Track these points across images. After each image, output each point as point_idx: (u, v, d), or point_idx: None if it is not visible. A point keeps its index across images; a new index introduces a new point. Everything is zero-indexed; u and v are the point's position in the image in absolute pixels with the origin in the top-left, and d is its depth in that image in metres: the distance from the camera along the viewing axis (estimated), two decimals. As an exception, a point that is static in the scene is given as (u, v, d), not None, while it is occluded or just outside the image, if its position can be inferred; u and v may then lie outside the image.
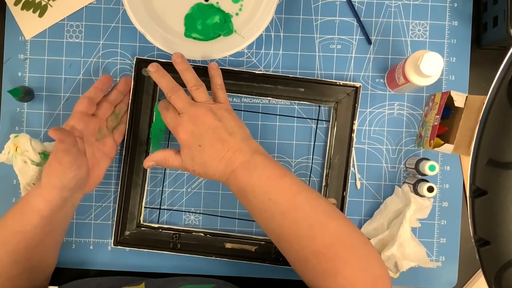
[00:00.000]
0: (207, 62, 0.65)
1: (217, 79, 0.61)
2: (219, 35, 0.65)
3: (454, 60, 0.68)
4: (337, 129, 0.66)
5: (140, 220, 0.67)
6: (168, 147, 0.68)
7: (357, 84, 0.65)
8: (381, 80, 0.68)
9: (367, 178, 0.68)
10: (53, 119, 0.68)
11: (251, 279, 0.69)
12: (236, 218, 0.68)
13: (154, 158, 0.59)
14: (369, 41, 0.68)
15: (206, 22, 0.65)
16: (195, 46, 0.65)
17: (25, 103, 0.68)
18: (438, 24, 0.68)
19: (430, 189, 0.62)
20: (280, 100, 0.67)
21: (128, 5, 0.62)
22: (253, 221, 0.67)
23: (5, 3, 0.67)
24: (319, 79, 0.66)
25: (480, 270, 0.41)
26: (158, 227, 0.67)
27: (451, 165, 0.68)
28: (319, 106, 0.68)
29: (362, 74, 0.68)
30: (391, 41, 0.68)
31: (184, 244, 0.66)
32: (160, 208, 0.68)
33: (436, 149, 0.60)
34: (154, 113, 0.66)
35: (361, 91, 0.66)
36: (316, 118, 0.68)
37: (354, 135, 0.66)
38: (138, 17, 0.62)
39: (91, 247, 0.68)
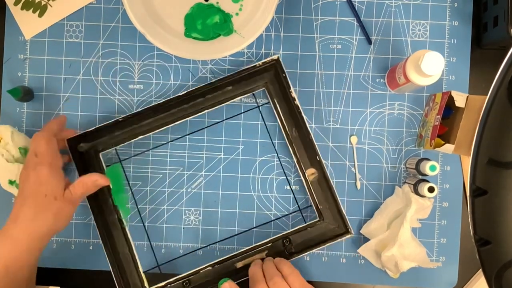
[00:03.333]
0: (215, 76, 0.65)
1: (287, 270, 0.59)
2: (219, 35, 0.65)
3: (454, 60, 0.68)
4: (280, 106, 0.66)
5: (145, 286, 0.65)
6: (132, 194, 0.68)
7: (275, 57, 0.65)
8: (381, 80, 0.68)
9: (367, 178, 0.68)
10: (53, 119, 0.68)
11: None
12: (236, 207, 0.68)
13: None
14: (369, 41, 0.68)
15: (206, 22, 0.65)
16: (195, 46, 0.65)
17: (25, 103, 0.68)
18: (438, 24, 0.68)
19: (431, 189, 0.62)
20: (216, 106, 0.67)
21: (127, 4, 0.61)
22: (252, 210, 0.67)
23: (5, 3, 0.67)
24: (239, 69, 0.66)
25: (480, 270, 0.41)
26: (166, 284, 0.64)
27: (452, 165, 0.68)
28: (253, 95, 0.68)
29: (362, 74, 0.68)
30: (391, 41, 0.68)
31: (198, 286, 0.65)
32: (158, 266, 0.68)
33: (436, 149, 0.60)
34: (108, 178, 0.63)
35: (282, 63, 0.65)
36: (257, 105, 0.68)
37: (297, 102, 0.65)
38: (137, 17, 0.62)
39: (91, 247, 0.68)
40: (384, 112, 0.68)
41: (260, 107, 0.68)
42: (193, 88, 0.65)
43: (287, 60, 0.68)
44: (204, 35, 0.65)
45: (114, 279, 0.63)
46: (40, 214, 0.55)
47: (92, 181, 0.60)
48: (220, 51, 0.63)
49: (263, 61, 0.65)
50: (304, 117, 0.65)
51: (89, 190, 0.60)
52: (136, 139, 0.66)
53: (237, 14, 0.66)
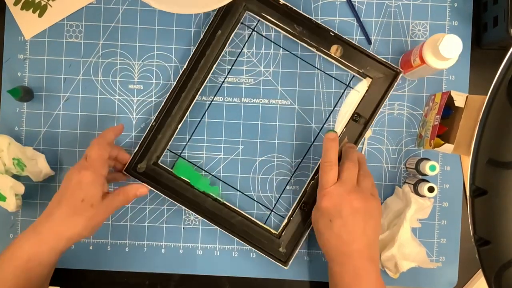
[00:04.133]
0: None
1: (364, 167, 0.62)
2: None
3: (454, 60, 0.68)
4: (271, 16, 0.66)
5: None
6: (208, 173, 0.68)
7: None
8: (381, 80, 0.68)
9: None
10: (53, 119, 0.68)
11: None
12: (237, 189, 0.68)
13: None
14: (369, 41, 0.68)
15: None
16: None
17: (25, 103, 0.68)
18: (438, 24, 0.68)
19: (431, 189, 0.62)
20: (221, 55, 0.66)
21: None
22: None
23: (5, 3, 0.67)
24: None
25: (480, 270, 0.41)
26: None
27: (451, 165, 0.68)
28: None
29: (362, 74, 0.68)
30: (391, 41, 0.68)
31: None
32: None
33: (436, 149, 0.60)
34: (182, 175, 0.66)
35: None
36: (252, 30, 0.68)
37: (282, 1, 0.65)
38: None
39: (91, 247, 0.68)
40: (384, 112, 0.68)
41: (256, 31, 0.68)
42: (193, 51, 0.65)
43: (287, 60, 0.68)
44: None
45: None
46: (73, 218, 0.55)
47: (134, 192, 0.60)
48: (208, 4, 0.61)
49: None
50: (296, 8, 0.65)
51: (129, 200, 0.60)
52: (176, 131, 0.66)
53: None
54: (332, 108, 0.68)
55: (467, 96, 0.59)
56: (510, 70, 0.38)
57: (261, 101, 0.68)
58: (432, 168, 0.62)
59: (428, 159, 0.64)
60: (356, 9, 0.68)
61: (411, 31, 0.68)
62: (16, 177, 0.65)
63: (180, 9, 0.61)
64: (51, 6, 0.68)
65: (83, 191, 0.55)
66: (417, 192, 0.64)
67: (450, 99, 0.59)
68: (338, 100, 0.68)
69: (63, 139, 0.68)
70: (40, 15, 0.68)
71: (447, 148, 0.59)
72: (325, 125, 0.68)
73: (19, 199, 0.65)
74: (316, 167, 0.67)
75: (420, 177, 0.65)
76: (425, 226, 0.68)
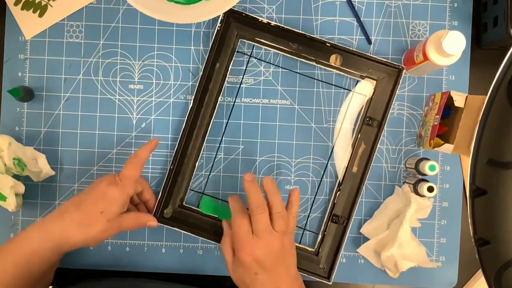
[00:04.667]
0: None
1: (294, 208, 0.60)
2: None
3: (454, 60, 0.68)
4: (264, 39, 0.66)
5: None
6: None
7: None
8: (381, 80, 0.68)
9: (367, 178, 0.68)
10: (53, 119, 0.68)
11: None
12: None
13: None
14: (369, 41, 0.68)
15: None
16: (177, 10, 0.63)
17: (25, 103, 0.68)
18: (438, 24, 0.68)
19: (430, 189, 0.62)
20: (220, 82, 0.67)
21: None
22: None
23: (5, 3, 0.68)
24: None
25: (480, 270, 0.41)
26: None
27: (451, 165, 0.68)
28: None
29: (362, 74, 0.68)
30: (391, 41, 0.68)
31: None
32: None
33: (436, 149, 0.60)
34: (209, 212, 0.67)
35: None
36: (249, 55, 0.68)
37: (273, 23, 0.65)
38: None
39: (91, 247, 0.68)
40: (384, 112, 0.68)
41: (254, 56, 0.68)
42: (196, 88, 0.65)
43: (288, 60, 0.68)
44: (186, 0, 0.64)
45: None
46: (86, 226, 0.56)
47: (145, 222, 0.62)
48: (202, 14, 0.62)
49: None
50: (287, 27, 0.65)
51: (139, 227, 0.61)
52: (195, 170, 0.67)
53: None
54: (331, 108, 0.68)
55: (466, 96, 0.59)
56: (510, 70, 0.38)
57: (261, 101, 0.68)
58: (432, 168, 0.62)
59: (427, 159, 0.64)
60: (356, 9, 0.68)
61: (411, 31, 0.68)
62: (16, 177, 0.65)
63: (171, 18, 0.62)
64: (51, 6, 0.68)
65: (105, 204, 0.56)
66: (416, 192, 0.64)
67: (450, 99, 0.59)
68: (339, 100, 0.68)
69: (63, 139, 0.68)
70: (40, 15, 0.68)
71: (447, 148, 0.59)
72: (325, 125, 0.68)
73: (20, 199, 0.65)
74: (343, 174, 0.67)
75: (420, 177, 0.65)
76: (425, 226, 0.68)
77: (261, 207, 0.57)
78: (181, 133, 0.66)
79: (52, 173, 0.67)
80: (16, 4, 0.68)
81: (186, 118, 0.66)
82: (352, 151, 0.66)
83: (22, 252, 0.55)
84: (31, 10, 0.68)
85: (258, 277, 0.56)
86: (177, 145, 0.66)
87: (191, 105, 0.66)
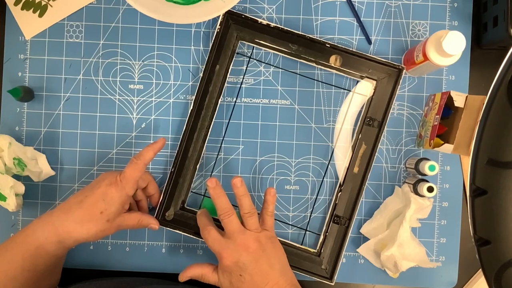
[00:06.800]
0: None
1: (271, 207, 0.62)
2: (200, 0, 0.64)
3: (454, 60, 0.68)
4: (264, 40, 0.66)
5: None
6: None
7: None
8: (381, 80, 0.68)
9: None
10: (53, 119, 0.68)
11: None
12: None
13: (190, 274, 0.61)
14: (369, 41, 0.68)
15: None
16: (176, 10, 0.63)
17: (25, 103, 0.68)
18: (438, 24, 0.68)
19: (430, 189, 0.62)
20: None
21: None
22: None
23: (5, 3, 0.68)
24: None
25: (480, 270, 0.41)
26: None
27: (451, 165, 0.68)
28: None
29: (362, 74, 0.68)
30: (391, 41, 0.68)
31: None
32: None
33: (436, 149, 0.60)
34: (208, 212, 0.65)
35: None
36: (249, 57, 0.68)
37: (272, 24, 0.66)
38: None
39: (91, 247, 0.68)
40: (384, 112, 0.68)
41: (254, 58, 0.68)
42: (197, 89, 0.65)
43: (288, 59, 0.68)
44: (185, 0, 0.64)
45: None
46: (87, 224, 0.57)
47: (146, 223, 0.62)
48: (201, 15, 0.62)
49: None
50: (287, 28, 0.65)
51: (139, 227, 0.62)
52: (196, 172, 0.67)
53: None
54: (331, 108, 0.68)
55: (466, 96, 0.59)
56: (510, 70, 0.38)
57: (261, 101, 0.68)
58: (432, 168, 0.62)
59: (427, 159, 0.64)
60: (356, 9, 0.68)
61: (411, 31, 0.68)
62: (16, 177, 0.65)
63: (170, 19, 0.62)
64: (51, 6, 0.68)
65: (105, 204, 0.57)
66: (416, 192, 0.64)
67: (450, 99, 0.59)
68: (339, 101, 0.68)
69: (63, 139, 0.68)
70: (40, 15, 0.68)
71: (447, 148, 0.59)
72: (325, 125, 0.68)
73: (20, 199, 0.65)
74: (344, 175, 0.68)
75: (420, 177, 0.65)
76: (425, 226, 0.68)
77: (227, 211, 0.58)
78: (181, 135, 0.66)
79: (52, 173, 0.67)
80: (16, 4, 0.68)
81: (186, 120, 0.66)
82: (353, 151, 0.66)
83: (28, 245, 0.56)
84: (31, 10, 0.68)
85: (244, 277, 0.56)
86: (178, 148, 0.66)
87: (191, 107, 0.66)
